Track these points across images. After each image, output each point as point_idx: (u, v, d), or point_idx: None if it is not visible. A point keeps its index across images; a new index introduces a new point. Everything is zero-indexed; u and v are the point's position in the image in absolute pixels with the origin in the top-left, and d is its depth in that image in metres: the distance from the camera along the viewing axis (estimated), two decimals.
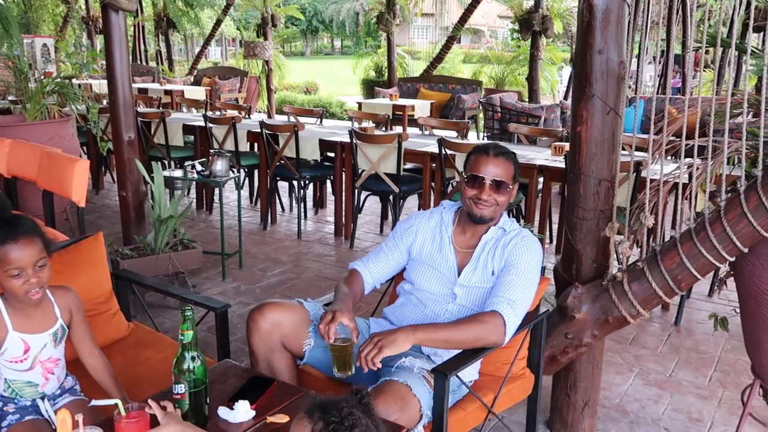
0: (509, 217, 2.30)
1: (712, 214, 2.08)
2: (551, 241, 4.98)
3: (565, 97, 9.46)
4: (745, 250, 2.04)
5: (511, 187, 2.14)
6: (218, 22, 12.66)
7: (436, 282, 2.21)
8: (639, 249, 2.25)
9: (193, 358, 1.57)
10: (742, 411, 2.39)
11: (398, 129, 8.51)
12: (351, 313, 1.99)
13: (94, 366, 1.86)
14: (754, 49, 2.42)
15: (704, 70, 9.26)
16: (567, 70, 13.66)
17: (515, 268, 2.10)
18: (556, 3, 9.44)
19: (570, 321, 2.33)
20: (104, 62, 3.94)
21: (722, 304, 3.92)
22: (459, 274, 2.19)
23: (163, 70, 12.19)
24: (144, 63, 13.16)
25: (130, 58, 13.25)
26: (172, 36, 13.17)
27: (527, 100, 9.22)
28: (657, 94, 6.54)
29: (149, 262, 3.64)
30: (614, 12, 2.21)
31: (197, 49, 14.48)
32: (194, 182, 4.97)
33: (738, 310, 3.42)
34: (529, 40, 9.23)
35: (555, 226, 5.08)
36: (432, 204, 4.87)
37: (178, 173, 4.25)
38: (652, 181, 2.20)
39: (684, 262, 2.12)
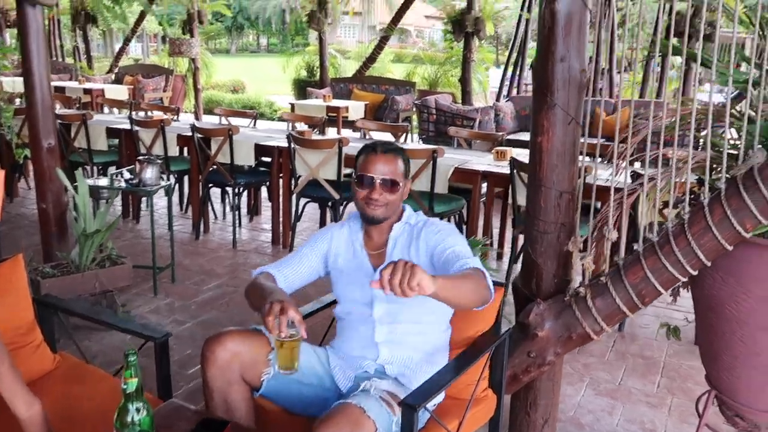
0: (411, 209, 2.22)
1: (676, 228, 2.04)
2: (492, 245, 4.94)
3: (498, 99, 9.54)
4: (709, 264, 2.02)
5: (401, 184, 2.06)
6: (142, 17, 12.09)
7: (358, 289, 2.12)
8: (602, 263, 2.19)
9: (138, 410, 1.38)
10: (699, 422, 2.38)
11: (333, 131, 8.35)
12: (296, 305, 1.82)
13: (30, 421, 1.60)
14: (706, 58, 2.41)
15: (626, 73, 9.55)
16: (494, 72, 13.85)
17: (444, 242, 2.01)
18: (488, 5, 9.48)
19: (532, 339, 2.25)
20: (16, 58, 3.59)
21: (662, 307, 3.97)
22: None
23: (81, 68, 11.52)
24: (60, 60, 12.41)
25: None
26: (90, 31, 12.49)
27: (460, 101, 9.24)
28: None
29: (74, 281, 3.35)
30: (576, 18, 2.14)
31: (117, 45, 13.84)
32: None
33: (689, 320, 3.47)
34: (462, 41, 9.25)
35: (500, 231, 5.05)
36: None
37: (104, 182, 3.95)
38: (616, 191, 2.14)
39: (648, 276, 2.08)
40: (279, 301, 1.75)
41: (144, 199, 5.55)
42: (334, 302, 2.30)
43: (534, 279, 2.34)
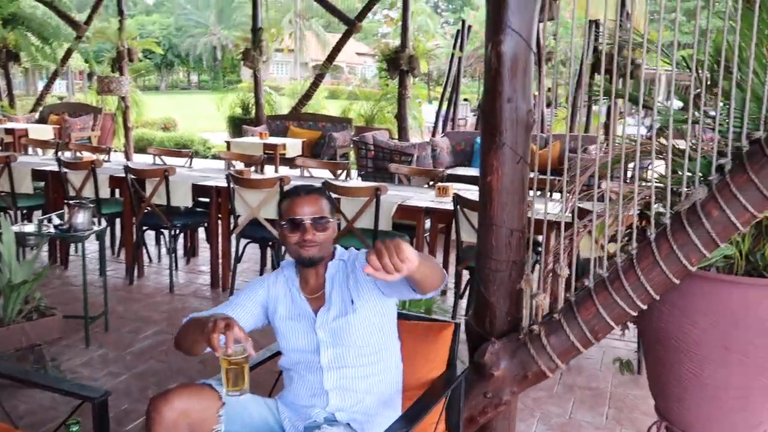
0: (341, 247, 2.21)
1: (625, 263, 2.08)
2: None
3: (434, 135, 9.69)
4: (658, 298, 2.05)
5: (330, 221, 2.07)
6: (68, 54, 11.69)
7: (302, 337, 2.07)
8: (554, 300, 2.20)
9: None
10: None
11: (270, 169, 8.24)
12: (239, 324, 1.73)
13: None
14: (635, 95, 2.50)
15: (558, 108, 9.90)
16: (426, 107, 14.11)
17: None
18: (420, 44, 9.68)
19: (488, 379, 2.23)
20: None
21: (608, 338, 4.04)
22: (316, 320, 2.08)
23: (2, 107, 11.01)
24: None
25: None
26: (12, 69, 12.00)
27: (397, 137, 9.33)
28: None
29: None
30: (521, 60, 2.18)
31: (40, 83, 13.32)
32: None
33: (634, 348, 3.52)
34: (397, 78, 9.39)
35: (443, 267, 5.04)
36: None
37: (31, 228, 3.73)
38: (567, 227, 2.17)
39: (600, 312, 2.10)
40: (224, 318, 1.69)
41: (74, 244, 5.29)
42: (279, 352, 2.23)
43: (487, 318, 2.33)
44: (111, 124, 11.25)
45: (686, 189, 2.02)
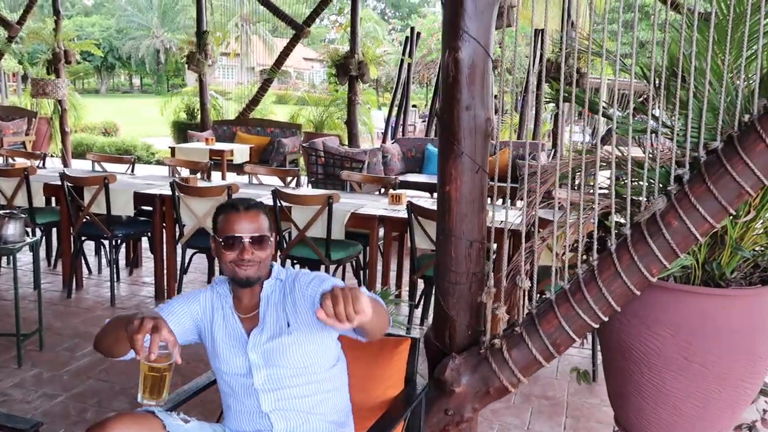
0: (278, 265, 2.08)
1: (587, 274, 2.04)
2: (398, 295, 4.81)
3: (384, 141, 9.64)
4: (619, 309, 2.03)
5: (270, 239, 1.95)
6: None
7: (234, 358, 1.94)
8: (515, 313, 2.15)
9: None
10: None
11: (217, 175, 8.03)
12: (169, 327, 1.59)
13: None
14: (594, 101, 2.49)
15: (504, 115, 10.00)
16: (375, 113, 14.07)
17: (322, 287, 1.89)
18: (369, 50, 9.62)
19: (449, 395, 2.16)
20: None
21: None
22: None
23: None
24: None
25: None
26: None
27: (347, 143, 9.24)
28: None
29: None
30: (479, 67, 2.13)
31: None
32: None
33: (595, 363, 3.52)
34: (347, 84, 9.30)
35: (397, 276, 4.97)
36: None
37: None
38: (527, 239, 2.12)
39: (562, 324, 2.06)
40: (152, 318, 1.54)
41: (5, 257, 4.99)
42: None
43: (447, 332, 2.26)
44: (47, 128, 10.77)
45: (645, 199, 2.00)
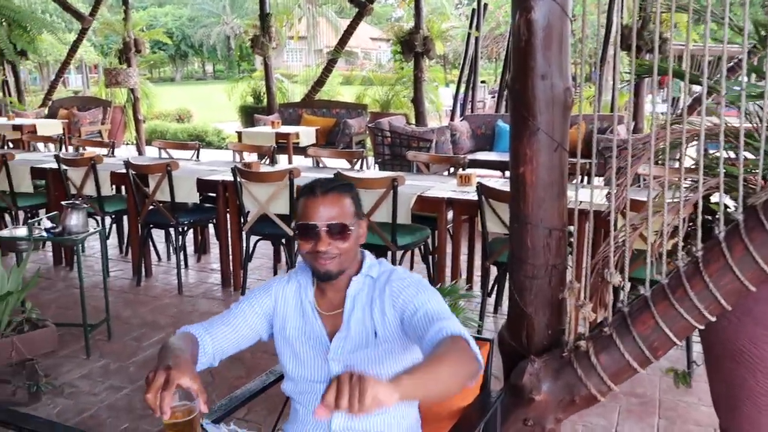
0: (373, 257, 1.80)
1: (689, 267, 1.75)
2: (469, 285, 4.53)
3: (452, 119, 9.32)
4: (730, 308, 1.72)
5: (352, 228, 1.66)
6: (74, 47, 11.48)
7: (310, 362, 1.72)
8: (603, 311, 1.88)
9: None
10: None
11: (283, 158, 7.96)
12: (192, 370, 1.38)
13: None
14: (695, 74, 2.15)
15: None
16: (443, 90, 13.70)
17: (414, 301, 1.62)
18: (435, 25, 9.30)
19: (528, 404, 1.92)
20: None
21: None
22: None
23: (11, 103, 10.84)
24: None
25: None
26: (22, 64, 11.83)
27: (414, 122, 8.98)
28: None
29: None
30: (556, 28, 1.85)
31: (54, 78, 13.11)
32: None
33: (698, 364, 3.16)
34: (412, 61, 9.02)
35: (468, 262, 4.71)
36: None
37: (22, 231, 3.47)
38: (603, 219, 1.84)
39: (660, 325, 1.77)
40: (165, 369, 1.33)
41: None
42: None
43: (524, 331, 2.01)
44: (121, 117, 11.03)
45: (762, 178, 1.69)
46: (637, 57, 1.84)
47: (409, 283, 1.67)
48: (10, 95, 11.29)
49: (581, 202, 2.05)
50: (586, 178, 4.94)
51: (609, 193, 1.88)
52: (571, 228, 2.05)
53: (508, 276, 2.08)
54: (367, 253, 1.79)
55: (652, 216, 1.83)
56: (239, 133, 8.30)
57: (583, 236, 2.08)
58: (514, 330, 2.04)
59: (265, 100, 10.42)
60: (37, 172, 5.05)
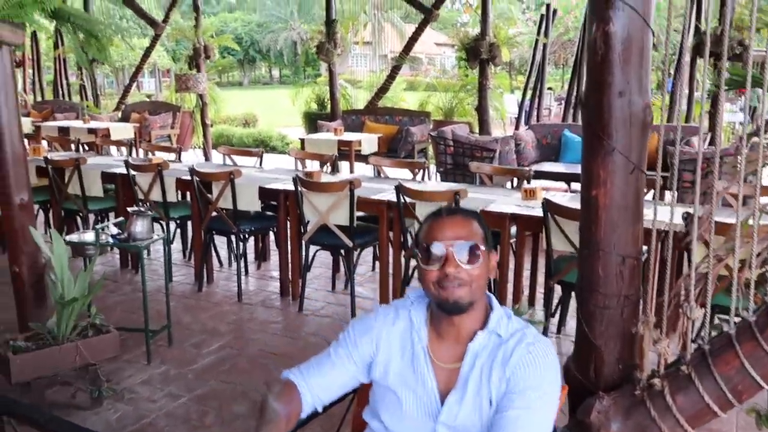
0: (504, 309, 1.60)
1: None
2: (531, 305, 4.36)
3: (517, 128, 9.13)
4: None
5: (483, 250, 1.50)
6: (147, 53, 11.88)
7: (414, 418, 1.56)
8: (680, 346, 1.74)
9: None
10: None
11: (345, 165, 7.96)
12: None
13: None
14: None
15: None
16: (508, 98, 13.45)
17: (522, 396, 1.45)
18: (501, 31, 9.12)
19: None
20: None
21: None
22: (442, 405, 1.54)
23: (87, 106, 11.29)
24: (68, 98, 12.22)
25: (43, 92, 12.13)
26: (98, 68, 12.30)
27: (477, 131, 8.83)
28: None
29: (50, 356, 2.94)
30: (637, 41, 1.72)
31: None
32: None
33: None
34: (477, 68, 8.88)
35: (531, 282, 4.55)
36: (390, 257, 4.30)
37: (90, 236, 3.55)
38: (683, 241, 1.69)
39: (745, 367, 1.62)
40: None
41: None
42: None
43: (593, 364, 1.88)
44: (189, 121, 11.31)
45: None
46: (716, 65, 1.69)
47: (533, 368, 1.47)
48: (87, 99, 11.76)
49: (654, 221, 1.91)
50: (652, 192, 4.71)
51: (688, 215, 1.74)
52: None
53: (576, 304, 1.96)
54: (493, 298, 1.60)
55: (739, 244, 1.67)
56: (302, 140, 8.36)
57: (657, 262, 1.93)
58: (582, 363, 1.92)
59: (329, 107, 10.48)
60: (107, 177, 5.19)
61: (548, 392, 1.49)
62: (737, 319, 1.66)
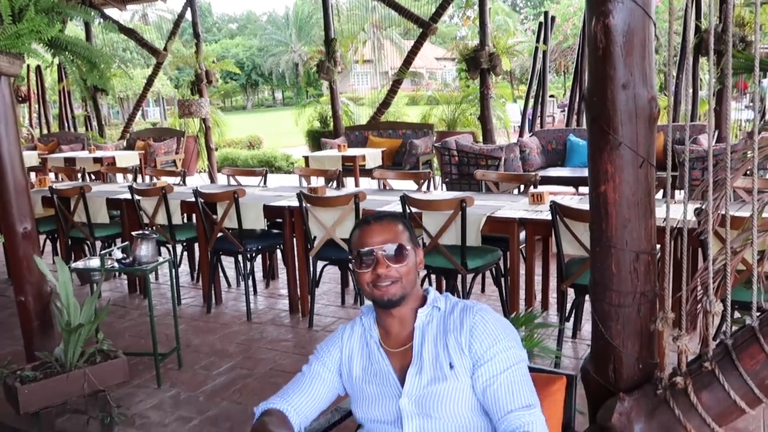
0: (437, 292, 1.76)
1: None
2: (545, 309, 4.31)
3: (521, 135, 9.10)
4: None
5: (408, 249, 1.66)
6: (150, 81, 11.96)
7: (379, 404, 1.66)
8: (701, 343, 1.68)
9: None
10: None
11: (350, 181, 7.94)
12: None
13: None
14: None
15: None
16: (510, 107, 13.43)
17: (495, 358, 1.57)
18: (500, 41, 9.12)
19: None
20: None
21: None
22: (402, 383, 1.63)
23: (92, 136, 11.36)
24: (73, 129, 12.31)
25: (48, 126, 12.27)
26: (101, 98, 12.40)
27: (482, 140, 8.80)
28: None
29: (58, 384, 2.89)
30: (638, 33, 1.68)
31: (138, 112, 13.69)
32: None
33: None
34: (478, 78, 8.87)
35: (543, 286, 4.49)
36: None
37: (95, 262, 3.53)
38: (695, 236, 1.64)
39: None
40: None
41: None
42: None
43: (611, 365, 1.82)
44: (194, 146, 11.36)
45: None
46: (718, 62, 1.65)
47: (486, 329, 1.61)
48: (91, 129, 11.84)
49: (665, 219, 1.86)
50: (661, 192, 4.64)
51: (701, 210, 1.69)
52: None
53: (590, 303, 1.90)
54: (430, 288, 1.76)
55: (757, 236, 1.62)
56: (306, 158, 8.36)
57: (673, 258, 1.88)
58: (600, 364, 1.86)
59: (332, 124, 10.49)
60: (112, 203, 5.18)
61: (513, 340, 1.63)
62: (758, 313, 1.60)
